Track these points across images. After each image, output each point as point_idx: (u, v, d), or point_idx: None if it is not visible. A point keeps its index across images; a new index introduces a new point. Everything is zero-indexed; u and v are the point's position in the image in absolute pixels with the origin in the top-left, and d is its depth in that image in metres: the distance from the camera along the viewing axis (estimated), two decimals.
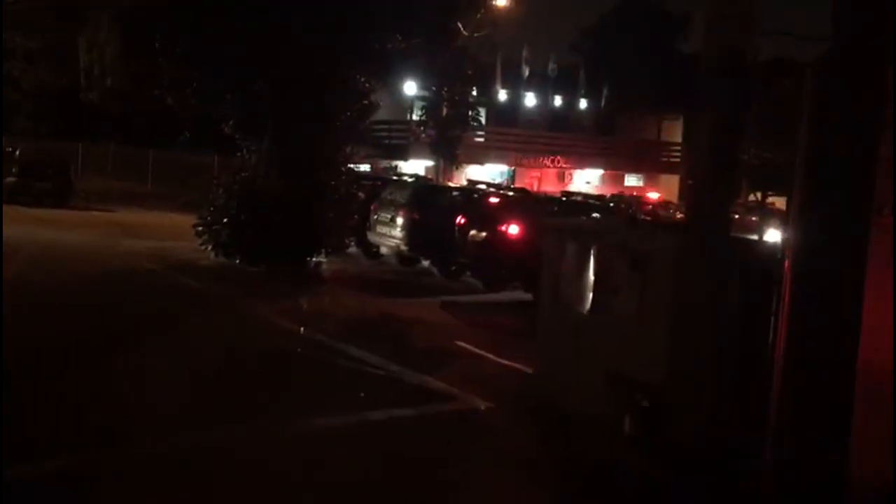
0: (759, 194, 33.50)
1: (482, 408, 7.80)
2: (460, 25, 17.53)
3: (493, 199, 16.81)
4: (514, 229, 15.21)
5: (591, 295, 7.14)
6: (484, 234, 15.66)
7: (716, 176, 6.12)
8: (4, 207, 24.19)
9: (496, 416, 7.65)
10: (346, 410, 7.29)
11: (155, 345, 9.18)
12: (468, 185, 21.15)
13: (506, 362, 9.66)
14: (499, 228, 15.37)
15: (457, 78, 18.77)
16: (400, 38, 16.11)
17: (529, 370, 8.92)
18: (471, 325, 12.22)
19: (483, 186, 21.01)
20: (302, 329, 10.52)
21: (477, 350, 10.29)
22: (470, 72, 19.15)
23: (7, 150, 28.07)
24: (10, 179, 25.88)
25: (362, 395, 7.92)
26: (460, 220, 16.32)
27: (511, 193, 19.48)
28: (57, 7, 22.55)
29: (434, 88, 19.06)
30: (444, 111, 23.75)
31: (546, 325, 7.73)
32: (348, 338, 10.12)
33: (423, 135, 29.03)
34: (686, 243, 6.38)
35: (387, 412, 7.36)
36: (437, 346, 10.46)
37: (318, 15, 14.47)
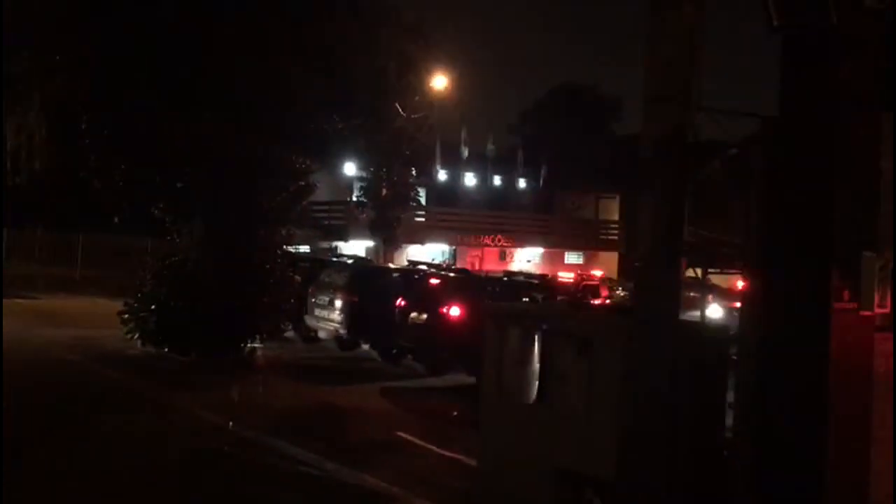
0: (698, 271, 33.84)
1: None
2: (398, 107, 17.50)
3: (434, 281, 16.46)
4: (455, 311, 14.84)
5: (536, 384, 6.75)
6: (425, 316, 15.24)
7: (662, 256, 5.87)
8: None
9: None
10: None
11: (65, 447, 8.41)
12: (409, 265, 20.80)
13: (449, 454, 9.14)
14: (440, 310, 14.98)
15: (395, 159, 18.67)
16: (337, 120, 15.95)
17: (474, 463, 8.41)
18: (412, 414, 11.69)
19: (423, 267, 20.68)
20: (231, 424, 9.83)
21: (418, 441, 9.74)
22: (408, 153, 19.07)
23: None
24: None
25: (292, 500, 7.29)
26: (401, 302, 15.89)
27: (452, 274, 19.18)
28: None
29: (373, 169, 18.88)
30: (384, 192, 23.65)
31: (489, 416, 7.28)
32: (281, 433, 9.49)
33: (363, 215, 28.86)
34: (634, 327, 6.07)
35: None
36: (377, 438, 9.88)
37: (250, 97, 14.21)
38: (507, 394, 7.02)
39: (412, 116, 18.54)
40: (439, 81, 22.81)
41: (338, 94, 15.18)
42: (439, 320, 14.92)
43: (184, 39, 13.66)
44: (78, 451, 8.32)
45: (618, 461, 6.02)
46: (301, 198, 16.60)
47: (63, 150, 23.66)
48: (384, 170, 20.14)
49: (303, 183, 16.23)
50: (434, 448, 9.39)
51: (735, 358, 5.85)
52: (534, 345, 6.78)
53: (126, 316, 15.22)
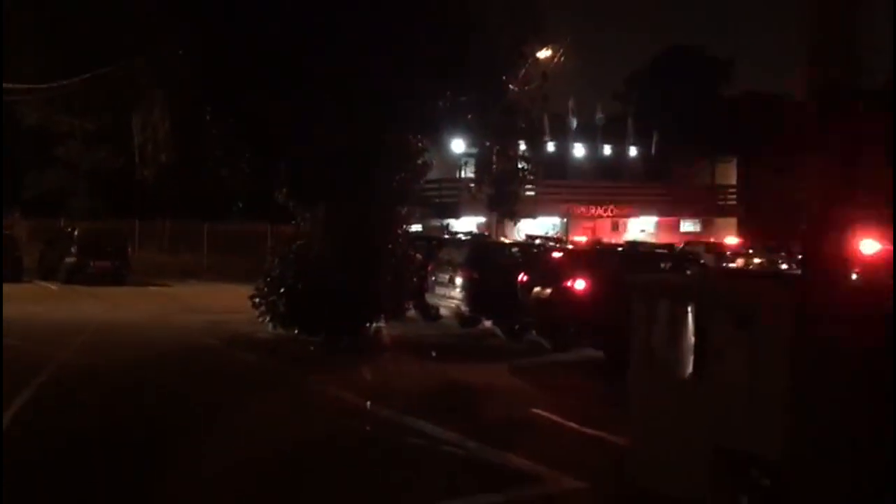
0: None
1: (574, 489, 7.04)
2: (511, 79, 17.15)
3: (557, 254, 16.15)
4: (580, 284, 14.50)
5: (691, 358, 6.41)
6: (549, 290, 14.98)
7: (833, 219, 5.43)
8: (65, 287, 24.48)
9: (591, 500, 6.89)
10: (426, 501, 6.61)
11: (208, 429, 8.65)
12: (526, 239, 20.56)
13: (590, 432, 8.90)
14: (564, 284, 14.68)
15: (510, 132, 18.38)
16: (450, 96, 15.79)
17: (617, 440, 8.15)
18: (545, 390, 11.50)
19: (539, 241, 20.39)
20: (368, 404, 9.92)
21: (557, 418, 9.54)
22: (523, 125, 18.71)
23: (66, 230, 28.51)
24: (70, 259, 26.16)
25: (442, 481, 7.22)
26: (523, 277, 15.69)
27: (571, 246, 18.81)
28: (111, 88, 22.94)
29: (488, 144, 18.65)
30: (496, 166, 23.41)
31: (639, 393, 6.98)
32: (418, 412, 9.49)
33: (478, 192, 28.66)
34: (802, 294, 5.65)
35: (471, 499, 6.66)
36: (514, 416, 9.75)
37: (365, 80, 14.22)
38: (659, 369, 6.71)
39: (525, 88, 18.13)
40: (549, 51, 22.21)
41: (451, 71, 15.00)
42: (564, 294, 14.63)
43: (299, 23, 13.79)
44: (221, 433, 8.54)
45: (786, 442, 5.65)
46: (419, 177, 16.61)
47: (187, 141, 24.57)
48: (497, 145, 19.88)
49: (420, 161, 16.22)
50: (574, 426, 9.17)
51: None
52: (687, 317, 6.44)
53: (257, 300, 15.65)
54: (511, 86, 17.79)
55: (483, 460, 7.76)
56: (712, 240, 36.46)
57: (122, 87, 23.29)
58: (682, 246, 29.97)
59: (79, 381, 11.14)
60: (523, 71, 18.71)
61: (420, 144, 16.20)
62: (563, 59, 22.78)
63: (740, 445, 6.05)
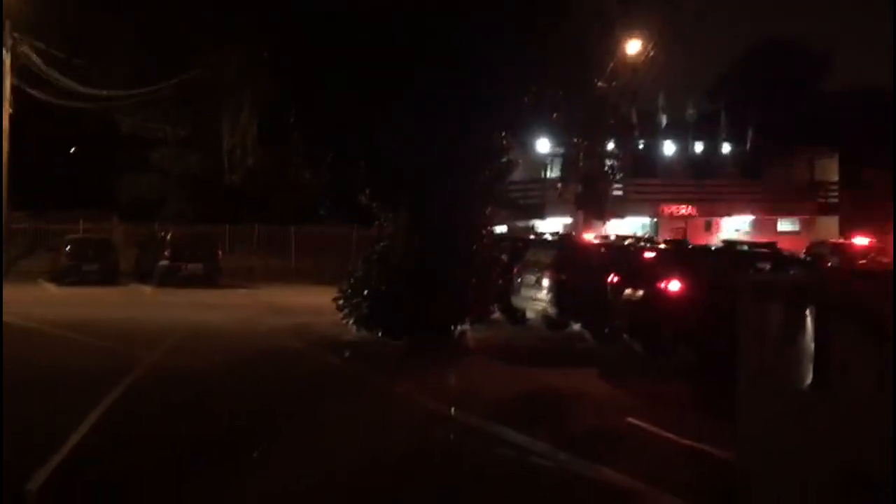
0: None
1: None
2: (599, 74, 16.57)
3: (649, 254, 15.42)
4: (675, 286, 13.76)
5: (810, 367, 5.75)
6: (641, 292, 14.28)
7: None
8: (158, 290, 25.15)
9: None
10: None
11: (293, 436, 8.41)
12: (616, 239, 19.85)
13: (690, 444, 8.25)
14: (658, 286, 13.96)
15: (597, 129, 17.75)
16: (536, 91, 15.31)
17: (721, 453, 7.51)
18: (639, 398, 10.86)
19: (630, 241, 19.61)
20: (452, 410, 9.53)
21: (653, 429, 8.92)
22: (612, 122, 18.06)
23: (160, 234, 29.33)
24: (163, 263, 26.92)
25: (531, 496, 6.75)
26: (613, 278, 15.04)
27: (663, 246, 17.98)
28: (201, 92, 23.34)
29: (576, 141, 18.03)
30: (583, 165, 22.75)
31: (750, 404, 6.35)
32: (504, 419, 9.04)
33: (564, 191, 27.98)
34: None
35: None
36: (607, 425, 9.19)
37: (449, 78, 13.89)
38: (772, 379, 6.07)
39: (612, 84, 17.49)
40: (637, 44, 21.46)
41: (537, 64, 14.52)
42: (658, 296, 13.91)
43: (383, 24, 13.59)
44: (300, 439, 8.28)
45: None
46: (503, 176, 16.20)
47: (272, 146, 24.83)
48: (585, 142, 19.24)
49: (504, 160, 15.79)
50: (672, 437, 8.54)
51: None
52: (804, 322, 5.78)
53: (341, 302, 15.54)
54: (598, 81, 17.19)
55: (575, 474, 7.24)
56: (841, 240, 34.34)
57: (211, 91, 23.66)
58: (809, 245, 28.52)
59: (166, 382, 11.19)
60: (611, 65, 18.09)
61: (504, 143, 15.76)
62: (652, 53, 21.96)
63: (868, 466, 5.37)
